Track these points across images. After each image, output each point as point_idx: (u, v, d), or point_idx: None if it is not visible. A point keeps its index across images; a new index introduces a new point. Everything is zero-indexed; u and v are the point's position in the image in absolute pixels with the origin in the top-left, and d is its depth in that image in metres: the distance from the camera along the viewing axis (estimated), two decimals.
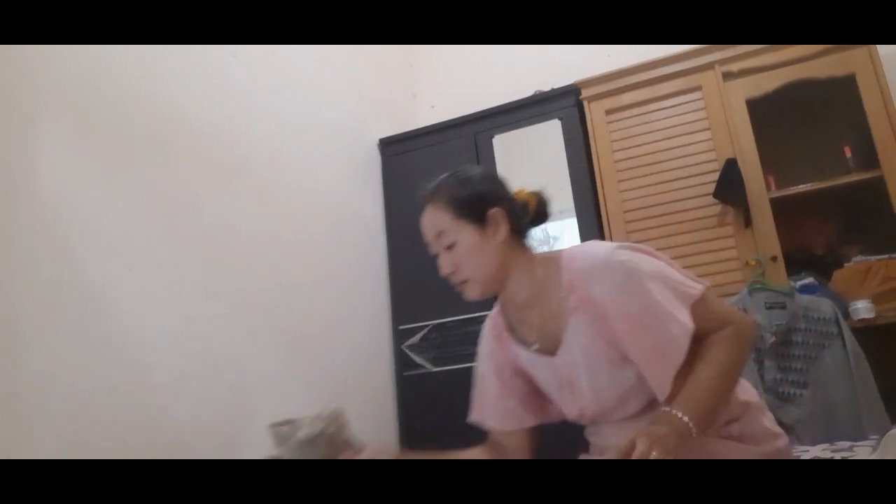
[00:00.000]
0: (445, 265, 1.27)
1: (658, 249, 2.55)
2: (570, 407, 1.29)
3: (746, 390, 1.26)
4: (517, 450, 1.38)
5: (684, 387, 1.10)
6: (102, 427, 1.46)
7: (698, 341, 1.14)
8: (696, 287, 1.16)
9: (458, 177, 1.31)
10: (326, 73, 2.85)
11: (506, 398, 1.38)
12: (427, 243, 1.31)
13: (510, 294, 1.30)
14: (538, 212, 1.37)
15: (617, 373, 1.19)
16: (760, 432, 1.21)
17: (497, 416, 1.40)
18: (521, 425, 1.38)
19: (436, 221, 1.27)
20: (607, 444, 1.25)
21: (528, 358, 1.32)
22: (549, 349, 1.26)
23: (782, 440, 1.23)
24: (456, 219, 1.25)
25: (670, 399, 1.09)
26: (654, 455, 0.94)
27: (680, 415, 1.04)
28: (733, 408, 1.20)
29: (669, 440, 0.98)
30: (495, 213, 1.26)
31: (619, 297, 1.14)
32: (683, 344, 1.11)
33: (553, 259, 1.27)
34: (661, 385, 1.12)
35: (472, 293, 1.27)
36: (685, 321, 1.12)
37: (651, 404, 1.19)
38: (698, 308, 1.14)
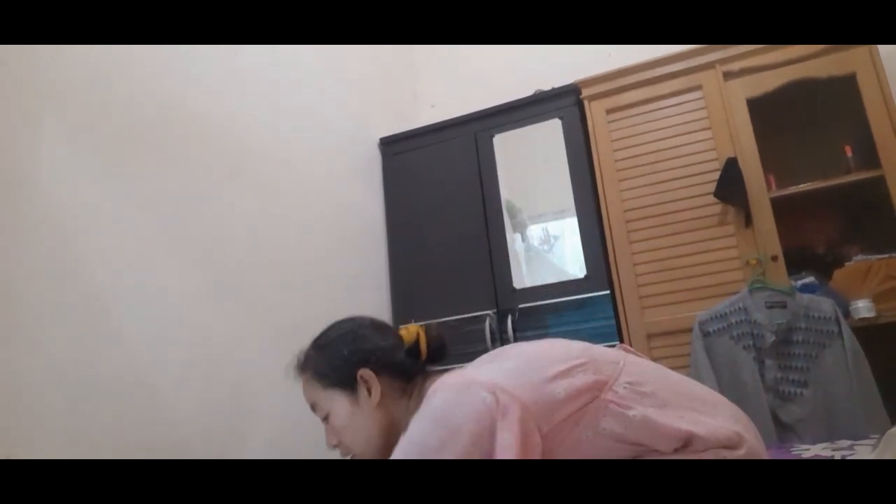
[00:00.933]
0: (328, 439, 1.22)
1: (658, 249, 2.57)
2: None
3: (696, 421, 1.03)
4: None
5: None
6: (102, 426, 1.46)
7: None
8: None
9: (317, 345, 1.27)
10: (327, 73, 2.85)
11: None
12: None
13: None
14: (431, 348, 1.27)
15: None
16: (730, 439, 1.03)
17: None
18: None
19: (308, 394, 1.24)
20: None
21: None
22: None
23: (754, 440, 1.07)
24: (324, 389, 1.20)
25: None
26: None
27: None
28: (670, 440, 1.01)
29: None
30: (363, 373, 1.19)
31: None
32: None
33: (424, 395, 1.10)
34: None
35: (369, 457, 1.19)
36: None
37: None
38: None
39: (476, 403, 0.97)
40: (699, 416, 1.04)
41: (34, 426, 1.32)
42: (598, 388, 1.03)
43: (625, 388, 1.04)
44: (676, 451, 1.00)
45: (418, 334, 1.26)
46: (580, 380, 1.03)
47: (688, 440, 1.00)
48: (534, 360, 1.08)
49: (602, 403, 1.02)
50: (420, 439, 0.98)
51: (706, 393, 1.15)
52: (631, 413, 1.00)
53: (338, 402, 1.18)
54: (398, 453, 1.00)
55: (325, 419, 1.20)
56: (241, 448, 1.87)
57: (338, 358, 1.21)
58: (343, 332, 1.29)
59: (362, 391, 1.18)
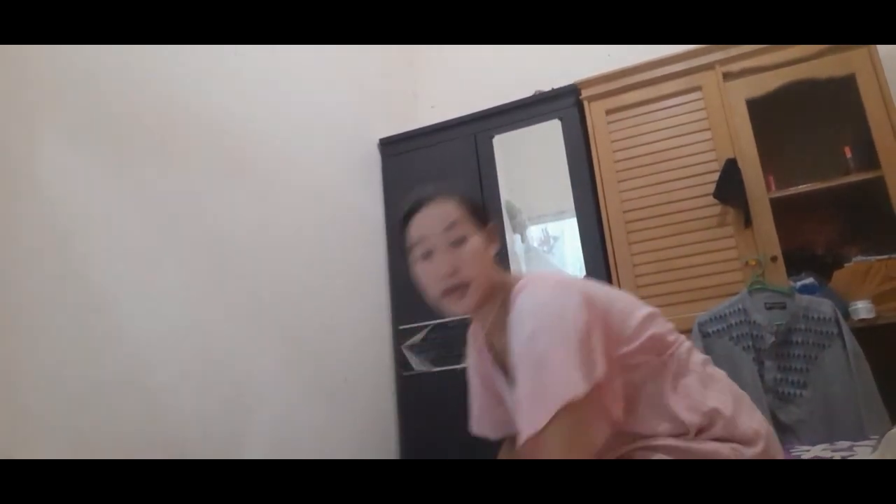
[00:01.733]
0: (445, 264, 1.18)
1: (658, 250, 2.57)
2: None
3: (717, 397, 1.15)
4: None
5: None
6: (102, 426, 1.46)
7: None
8: (560, 397, 0.99)
9: (454, 189, 1.28)
10: (327, 74, 2.85)
11: (495, 407, 1.36)
12: (421, 239, 1.21)
13: (483, 314, 1.26)
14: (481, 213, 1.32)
15: None
16: (746, 433, 1.12)
17: (491, 425, 1.40)
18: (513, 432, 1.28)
19: (447, 213, 1.21)
20: None
21: (496, 377, 1.31)
22: (504, 372, 1.24)
23: (772, 442, 1.16)
24: (467, 215, 1.22)
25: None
26: None
27: None
28: (700, 418, 1.11)
29: None
30: (493, 226, 1.25)
31: (525, 344, 1.06)
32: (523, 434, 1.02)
33: (510, 288, 1.19)
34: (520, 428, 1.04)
35: (468, 301, 1.18)
36: (525, 424, 1.02)
37: (607, 449, 1.14)
38: (542, 434, 1.00)
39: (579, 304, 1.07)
40: (731, 403, 1.15)
41: (34, 426, 1.32)
42: (666, 347, 1.16)
43: (682, 356, 1.17)
44: (699, 431, 1.11)
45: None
46: (658, 329, 1.17)
47: (713, 419, 1.11)
48: (623, 295, 1.21)
49: (663, 361, 1.15)
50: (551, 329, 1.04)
51: (738, 389, 1.24)
52: (682, 381, 1.14)
53: (476, 234, 1.21)
54: (527, 329, 1.06)
55: (458, 243, 1.18)
56: (240, 448, 1.87)
57: (478, 203, 1.27)
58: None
59: (488, 238, 1.24)
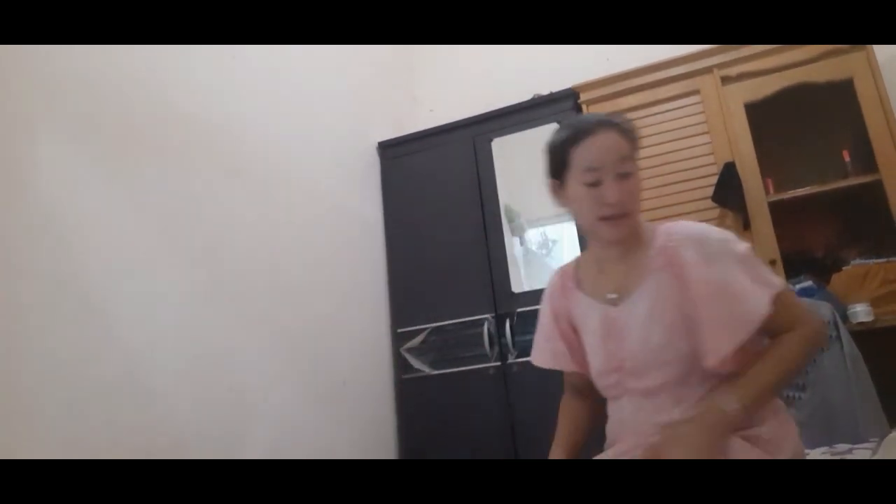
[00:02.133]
0: (615, 193, 1.22)
1: None
2: (610, 358, 1.29)
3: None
4: (586, 386, 1.41)
5: (746, 376, 1.15)
6: (102, 427, 1.46)
7: (769, 336, 1.21)
8: (777, 281, 1.19)
9: (622, 118, 1.31)
10: (326, 77, 2.86)
11: (557, 339, 1.42)
12: (592, 168, 1.24)
13: (617, 242, 1.31)
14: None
15: (671, 337, 1.20)
16: (786, 437, 1.20)
17: (547, 355, 1.46)
18: (569, 368, 1.43)
19: (622, 147, 1.25)
20: (626, 419, 1.27)
21: (587, 306, 1.35)
22: (614, 301, 1.29)
23: (800, 447, 1.24)
24: (632, 151, 1.27)
25: (719, 368, 1.15)
26: (677, 456, 1.03)
27: (735, 401, 1.10)
28: (764, 410, 1.20)
29: (693, 440, 1.06)
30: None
31: (707, 264, 1.18)
32: (754, 321, 1.14)
33: (649, 225, 1.32)
34: (718, 351, 1.14)
35: (622, 230, 1.26)
36: (762, 304, 1.15)
37: (684, 381, 1.20)
38: (777, 302, 1.16)
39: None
40: None
41: (34, 426, 1.32)
42: None
43: None
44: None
45: None
46: None
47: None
48: None
49: None
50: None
51: None
52: None
53: (637, 172, 1.27)
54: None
55: (625, 176, 1.24)
56: (239, 450, 1.86)
57: (637, 137, 1.31)
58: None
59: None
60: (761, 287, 1.16)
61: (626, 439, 1.23)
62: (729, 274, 1.17)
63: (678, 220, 1.31)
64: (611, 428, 1.34)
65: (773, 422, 1.20)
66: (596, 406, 1.43)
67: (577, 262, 1.44)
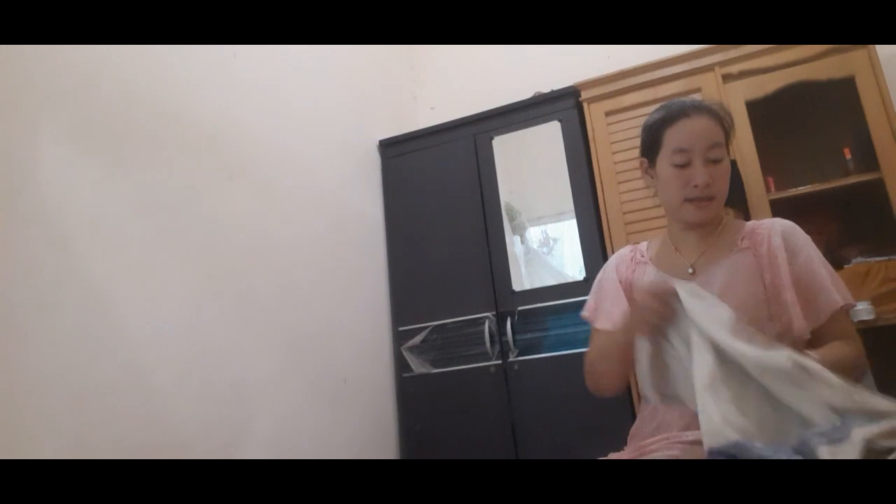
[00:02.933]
0: (704, 175, 1.28)
1: None
2: None
3: None
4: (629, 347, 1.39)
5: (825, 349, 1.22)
6: (102, 427, 1.46)
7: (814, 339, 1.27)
8: (846, 292, 1.27)
9: (720, 105, 1.36)
10: (326, 75, 2.86)
11: (623, 303, 1.45)
12: (683, 149, 1.30)
13: (699, 225, 1.37)
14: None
15: (739, 312, 1.17)
16: None
17: (617, 317, 1.45)
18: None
19: (714, 133, 1.30)
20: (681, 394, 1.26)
21: (655, 277, 1.39)
22: (690, 276, 1.34)
23: None
24: (724, 140, 1.32)
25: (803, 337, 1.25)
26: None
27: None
28: None
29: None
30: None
31: (796, 254, 1.27)
32: (828, 312, 1.25)
33: (735, 220, 1.40)
34: (802, 329, 1.24)
35: (708, 213, 1.31)
36: (836, 300, 1.25)
37: None
38: (843, 309, 1.27)
39: None
40: None
41: (34, 426, 1.32)
42: None
43: None
44: None
45: None
46: None
47: None
48: None
49: None
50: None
51: None
52: None
53: (727, 158, 1.31)
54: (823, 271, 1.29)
55: (716, 161, 1.29)
56: (239, 449, 1.86)
57: (733, 132, 1.37)
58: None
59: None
60: (837, 288, 1.25)
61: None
62: (815, 267, 1.26)
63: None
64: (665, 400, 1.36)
65: None
66: None
67: (649, 242, 1.51)
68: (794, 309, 1.24)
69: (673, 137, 1.31)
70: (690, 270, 1.35)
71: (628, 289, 1.46)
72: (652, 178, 1.40)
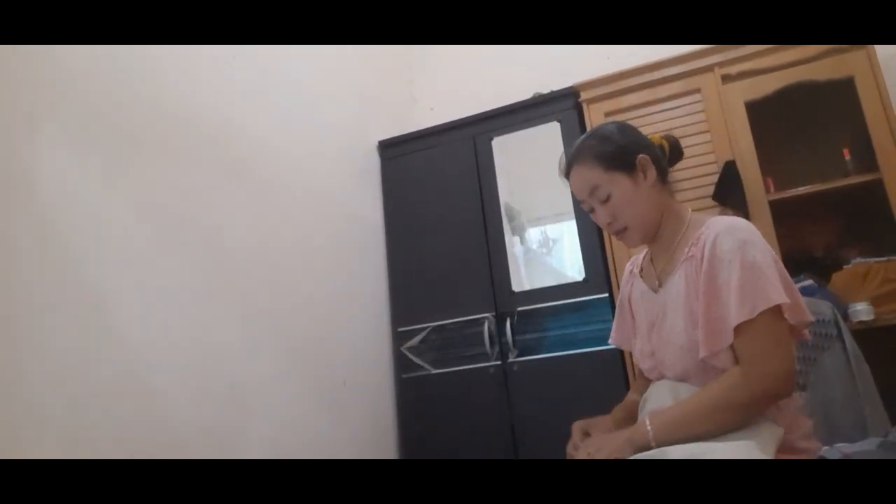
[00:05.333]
0: (603, 217, 1.33)
1: None
2: (646, 342, 1.36)
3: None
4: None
5: (670, 408, 1.18)
6: (102, 427, 1.46)
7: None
8: (770, 300, 1.13)
9: (597, 135, 1.37)
10: (326, 76, 2.86)
11: (627, 321, 1.51)
12: (580, 202, 1.37)
13: (657, 242, 1.37)
14: (673, 151, 1.43)
15: (687, 324, 1.23)
16: (807, 448, 1.23)
17: (620, 336, 1.55)
18: (630, 349, 1.51)
19: (588, 178, 1.32)
20: (652, 405, 1.28)
21: (640, 292, 1.42)
22: (656, 288, 1.36)
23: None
24: (606, 172, 1.31)
25: (712, 362, 1.18)
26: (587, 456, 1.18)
27: (648, 426, 1.15)
28: (801, 423, 1.25)
29: (609, 450, 1.16)
30: (642, 159, 1.32)
31: (717, 261, 1.18)
32: (725, 332, 1.15)
33: (699, 216, 1.34)
34: (704, 347, 1.17)
35: (633, 240, 1.33)
36: (735, 314, 1.13)
37: (705, 370, 1.22)
38: (747, 328, 1.13)
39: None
40: None
41: (34, 426, 1.32)
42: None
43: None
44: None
45: (662, 140, 1.42)
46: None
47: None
48: None
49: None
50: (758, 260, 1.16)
51: None
52: None
53: (620, 183, 1.30)
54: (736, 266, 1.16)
55: (605, 200, 1.31)
56: (239, 450, 1.86)
57: (620, 146, 1.33)
58: (618, 127, 1.40)
59: (639, 175, 1.32)
60: (744, 303, 1.12)
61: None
62: (727, 277, 1.15)
63: (726, 217, 1.30)
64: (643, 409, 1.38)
65: (804, 430, 1.24)
66: None
67: (646, 250, 1.49)
68: (700, 332, 1.18)
69: (572, 191, 1.39)
70: (657, 283, 1.36)
71: (628, 303, 1.51)
72: None
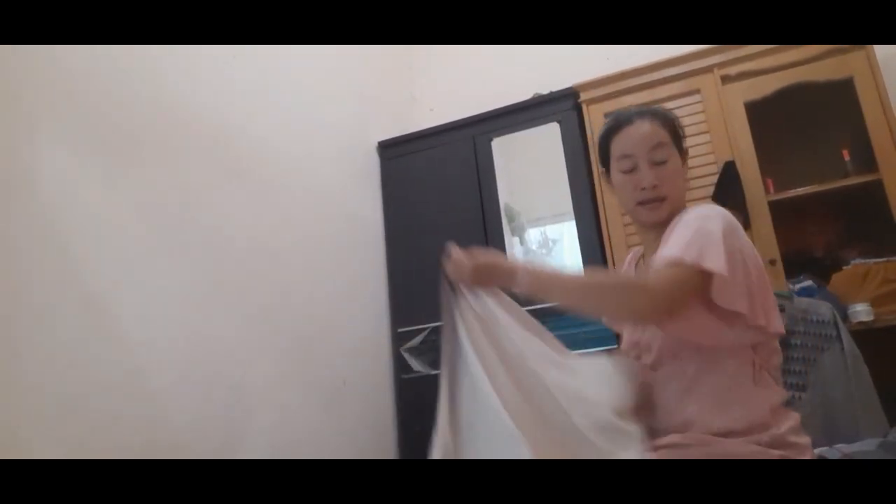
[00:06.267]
0: (649, 178, 1.29)
1: None
2: (633, 335, 1.37)
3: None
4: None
5: (553, 268, 1.26)
6: (102, 427, 1.46)
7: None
8: (702, 260, 1.11)
9: (666, 110, 1.40)
10: (326, 77, 2.86)
11: None
12: (627, 155, 1.32)
13: (658, 230, 1.35)
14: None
15: None
16: (797, 443, 1.21)
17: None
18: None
19: (657, 134, 1.31)
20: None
21: None
22: None
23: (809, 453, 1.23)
24: (671, 140, 1.33)
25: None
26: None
27: (523, 270, 1.21)
28: (764, 414, 1.20)
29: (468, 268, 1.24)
30: (688, 149, 1.38)
31: (678, 225, 1.20)
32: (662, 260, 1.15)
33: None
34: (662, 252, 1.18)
35: (660, 213, 1.30)
36: (673, 252, 1.14)
37: (675, 356, 1.23)
38: (679, 263, 1.12)
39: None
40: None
41: (34, 426, 1.32)
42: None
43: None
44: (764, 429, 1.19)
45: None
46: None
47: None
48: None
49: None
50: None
51: None
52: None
53: (676, 157, 1.33)
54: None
55: (661, 163, 1.30)
56: (238, 451, 1.86)
57: (681, 129, 1.38)
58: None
59: (686, 161, 1.37)
60: (682, 248, 1.13)
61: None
62: (680, 233, 1.18)
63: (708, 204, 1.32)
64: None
65: (773, 428, 1.20)
66: None
67: (641, 248, 1.51)
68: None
69: (618, 145, 1.35)
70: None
71: None
72: (610, 186, 1.42)
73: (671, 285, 1.11)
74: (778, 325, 1.21)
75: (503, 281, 1.25)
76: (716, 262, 1.10)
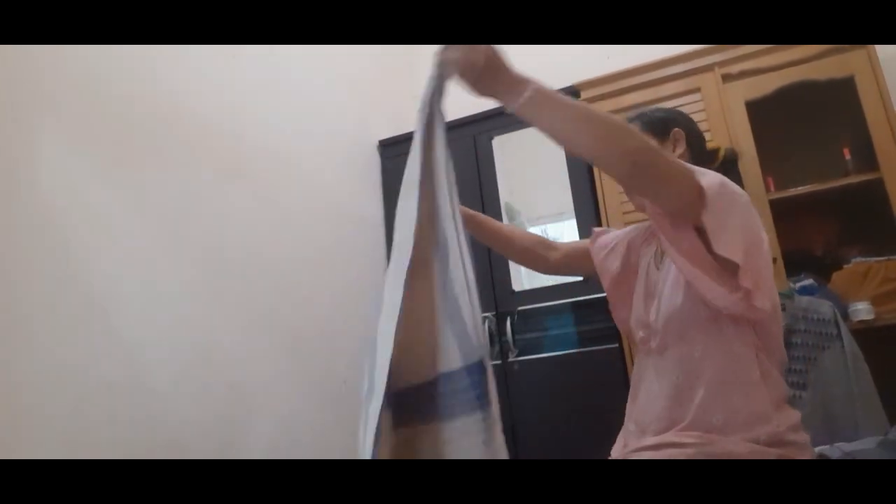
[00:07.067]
0: None
1: None
2: (644, 313, 1.36)
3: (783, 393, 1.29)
4: (565, 259, 1.68)
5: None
6: (101, 427, 1.46)
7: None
8: (710, 190, 1.15)
9: (652, 107, 1.49)
10: (326, 75, 2.85)
11: (619, 252, 1.51)
12: None
13: None
14: (725, 165, 1.52)
15: (689, 297, 1.24)
16: (795, 441, 1.21)
17: (599, 250, 1.57)
18: (600, 270, 1.55)
19: None
20: (644, 376, 1.34)
21: (646, 261, 1.44)
22: (657, 263, 1.39)
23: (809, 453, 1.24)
24: (642, 129, 1.39)
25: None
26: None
27: (533, 80, 1.13)
28: (766, 406, 1.21)
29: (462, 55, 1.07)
30: (676, 132, 1.41)
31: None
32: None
33: None
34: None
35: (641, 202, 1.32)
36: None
37: (682, 337, 1.24)
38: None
39: None
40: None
41: (34, 426, 1.32)
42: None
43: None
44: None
45: (719, 150, 1.53)
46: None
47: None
48: None
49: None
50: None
51: None
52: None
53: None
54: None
55: None
56: (239, 451, 1.86)
57: (664, 116, 1.44)
58: (674, 108, 1.51)
59: (670, 144, 1.40)
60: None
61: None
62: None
63: None
64: (633, 381, 1.41)
65: (774, 422, 1.21)
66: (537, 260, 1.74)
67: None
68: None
69: None
70: (658, 258, 1.39)
71: (636, 259, 1.49)
72: None
73: (677, 164, 1.13)
74: (763, 299, 1.15)
75: (508, 85, 1.15)
76: (714, 187, 1.14)
